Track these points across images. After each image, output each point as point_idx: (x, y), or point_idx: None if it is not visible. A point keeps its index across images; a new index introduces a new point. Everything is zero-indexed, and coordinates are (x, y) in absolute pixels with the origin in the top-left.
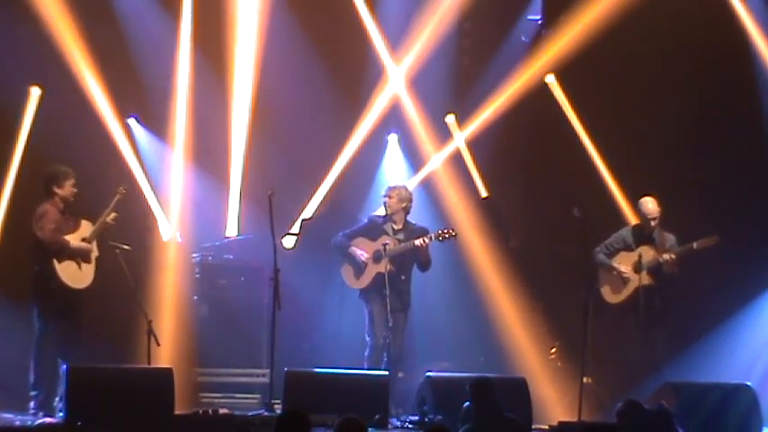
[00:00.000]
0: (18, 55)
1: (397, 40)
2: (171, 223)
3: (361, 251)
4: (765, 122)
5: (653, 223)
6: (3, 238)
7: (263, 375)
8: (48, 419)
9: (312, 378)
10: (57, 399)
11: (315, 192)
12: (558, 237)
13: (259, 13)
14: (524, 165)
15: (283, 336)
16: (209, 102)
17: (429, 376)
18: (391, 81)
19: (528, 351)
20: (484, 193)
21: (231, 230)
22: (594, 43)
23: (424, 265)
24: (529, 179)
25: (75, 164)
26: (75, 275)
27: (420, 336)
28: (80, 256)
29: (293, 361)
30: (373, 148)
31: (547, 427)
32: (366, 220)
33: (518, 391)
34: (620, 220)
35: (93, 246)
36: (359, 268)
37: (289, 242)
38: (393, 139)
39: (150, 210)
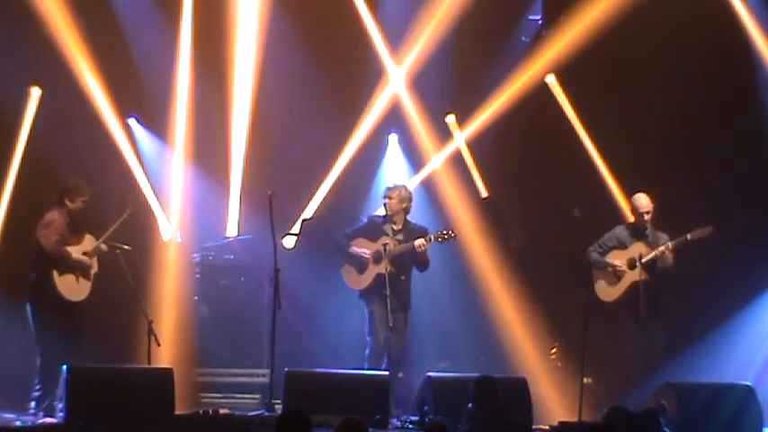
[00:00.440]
0: (18, 55)
1: (397, 40)
2: (171, 223)
3: (363, 250)
4: (766, 122)
5: (646, 217)
6: (2, 239)
7: (264, 375)
8: (48, 419)
9: (312, 378)
10: (57, 399)
11: (315, 192)
12: (558, 237)
13: (259, 13)
14: (524, 165)
15: (283, 336)
16: (210, 102)
17: (429, 376)
18: (391, 81)
19: (528, 351)
20: (484, 193)
21: (231, 230)
22: (594, 43)
23: (423, 266)
24: (529, 179)
25: (74, 164)
26: (72, 288)
27: (420, 336)
28: (79, 269)
29: (293, 361)
30: (373, 148)
31: (547, 427)
32: (366, 220)
33: (518, 391)
34: (620, 220)
35: (94, 262)
36: (359, 269)
37: (289, 242)
38: (393, 139)
39: (150, 210)
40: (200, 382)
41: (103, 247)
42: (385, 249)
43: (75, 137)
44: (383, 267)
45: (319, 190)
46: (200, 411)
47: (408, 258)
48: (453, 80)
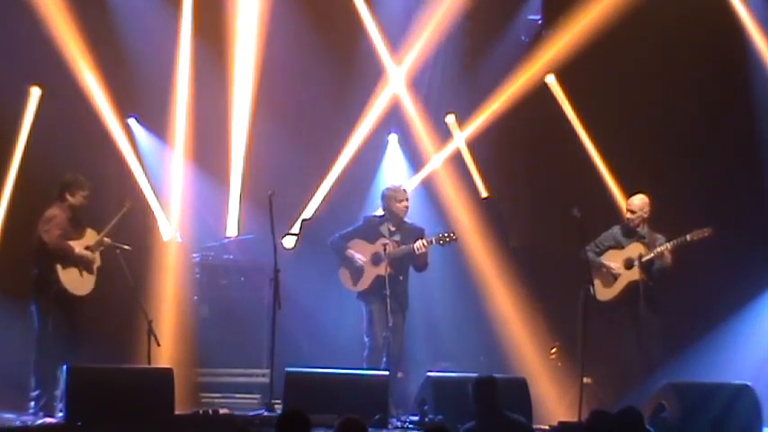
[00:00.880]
0: (18, 55)
1: (397, 40)
2: (171, 223)
3: (359, 255)
4: (765, 122)
5: (630, 215)
6: (3, 238)
7: (263, 375)
8: (48, 419)
9: (312, 378)
10: (57, 399)
11: (315, 192)
12: (558, 237)
13: (259, 14)
14: (524, 165)
15: (283, 336)
16: (210, 102)
17: (429, 376)
18: (391, 81)
19: (528, 351)
20: (484, 193)
21: (231, 231)
22: (594, 43)
23: (422, 268)
24: (529, 179)
25: (74, 164)
26: (77, 282)
27: (420, 336)
28: (83, 264)
29: (293, 361)
30: (373, 148)
31: (547, 427)
32: (362, 221)
33: (518, 391)
34: (620, 220)
35: (97, 256)
36: (356, 272)
37: (289, 242)
38: (393, 139)
39: (150, 210)
40: (200, 382)
41: (106, 240)
42: (385, 250)
43: (75, 137)
44: (383, 269)
45: (319, 190)
46: (200, 411)
47: (407, 259)
48: (453, 80)
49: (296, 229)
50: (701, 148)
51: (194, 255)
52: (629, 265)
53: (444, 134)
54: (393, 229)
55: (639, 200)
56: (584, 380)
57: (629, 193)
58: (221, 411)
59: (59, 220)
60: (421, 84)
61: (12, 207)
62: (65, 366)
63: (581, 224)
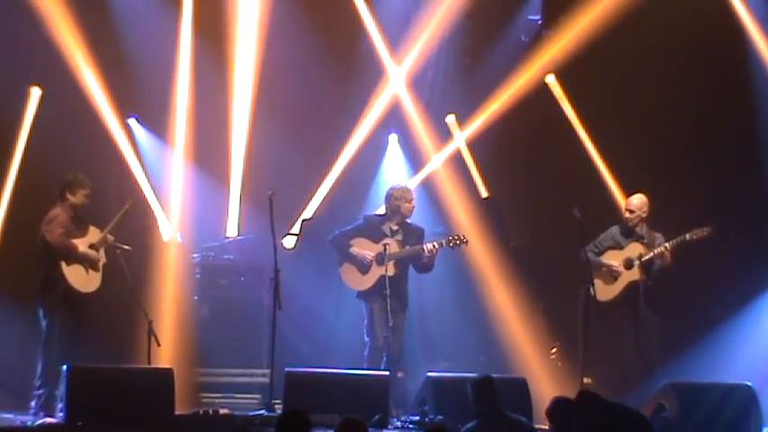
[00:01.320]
0: (18, 55)
1: (397, 40)
2: (171, 223)
3: (366, 252)
4: (765, 122)
5: (627, 215)
6: (3, 239)
7: (263, 375)
8: (48, 419)
9: (312, 378)
10: (58, 399)
11: (315, 192)
12: (558, 237)
13: (259, 14)
14: (524, 165)
15: (283, 336)
16: (210, 102)
17: (429, 376)
18: (391, 81)
19: (528, 351)
20: (484, 193)
21: (231, 231)
22: (594, 43)
23: (427, 269)
24: (529, 179)
25: (74, 164)
26: (83, 279)
27: (420, 336)
28: (87, 261)
29: (293, 361)
30: (373, 148)
31: (547, 427)
32: (362, 220)
33: (518, 391)
34: (619, 220)
35: (101, 253)
36: (362, 270)
37: (289, 242)
38: (393, 139)
39: (150, 210)
40: (200, 382)
41: (109, 237)
42: (385, 250)
43: (75, 137)
44: (386, 268)
45: (319, 190)
46: (200, 411)
47: (411, 260)
48: (454, 80)
49: (296, 229)
50: (700, 148)
51: (194, 255)
52: (628, 265)
53: (444, 134)
54: (395, 228)
55: (638, 200)
56: (584, 380)
57: (628, 193)
58: (221, 411)
59: (61, 219)
60: (423, 85)
61: (12, 207)
62: (65, 366)
63: (581, 224)
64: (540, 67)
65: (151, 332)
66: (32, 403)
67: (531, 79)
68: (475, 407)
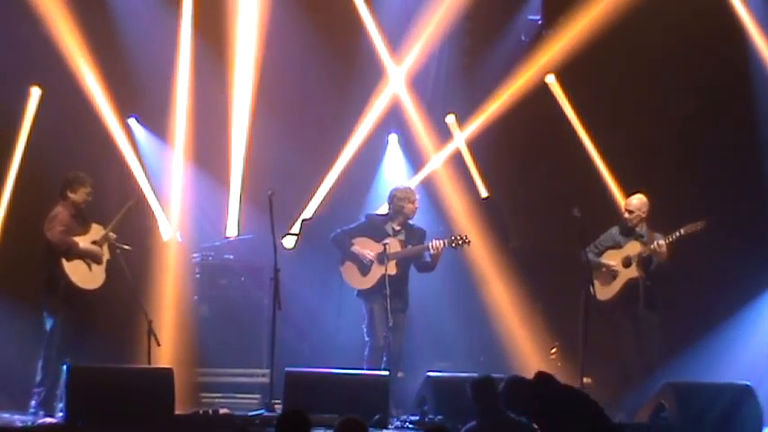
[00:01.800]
0: (18, 55)
1: (397, 40)
2: (171, 223)
3: (367, 251)
4: (764, 122)
5: (627, 215)
6: (3, 239)
7: (263, 375)
8: (48, 419)
9: (312, 378)
10: (58, 399)
11: (315, 192)
12: (558, 237)
13: (259, 14)
14: (524, 165)
15: (283, 336)
16: (210, 102)
17: (429, 376)
18: (391, 81)
19: (528, 351)
20: (484, 193)
21: (231, 230)
22: (594, 43)
23: (428, 269)
24: (529, 179)
25: (75, 164)
26: (85, 276)
27: (420, 336)
28: (89, 257)
29: (293, 361)
30: (373, 148)
31: None
32: (365, 219)
33: None
34: (619, 220)
35: (104, 249)
36: (363, 268)
37: (289, 242)
38: (393, 139)
39: (150, 210)
40: (200, 382)
41: (111, 235)
42: (385, 249)
43: (76, 137)
44: (389, 268)
45: (319, 190)
46: (200, 411)
47: (413, 259)
48: (454, 80)
49: (296, 228)
50: (700, 148)
51: (194, 255)
52: (627, 263)
53: (444, 134)
54: (397, 228)
55: (637, 200)
56: (584, 380)
57: (628, 193)
58: (221, 411)
59: (62, 217)
60: (426, 85)
61: (12, 207)
62: (65, 366)
63: (581, 224)
64: (539, 67)
65: (151, 332)
66: (32, 402)
67: (531, 79)
68: (475, 407)
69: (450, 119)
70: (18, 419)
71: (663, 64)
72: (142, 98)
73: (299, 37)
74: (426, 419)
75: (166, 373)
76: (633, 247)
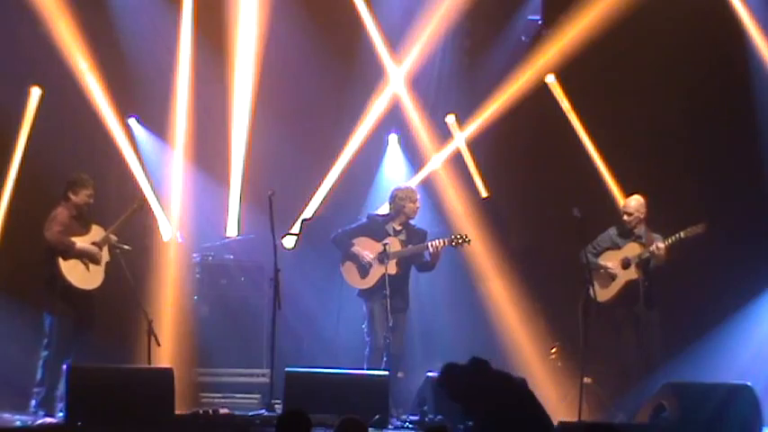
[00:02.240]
0: (18, 55)
1: (397, 40)
2: (171, 223)
3: (366, 252)
4: (764, 122)
5: (626, 218)
6: (3, 239)
7: (263, 375)
8: (48, 419)
9: (312, 378)
10: (58, 399)
11: (315, 192)
12: (557, 237)
13: (259, 14)
14: (524, 165)
15: (283, 336)
16: (210, 102)
17: (429, 376)
18: (391, 81)
19: (528, 351)
20: (484, 193)
21: (231, 230)
22: (595, 43)
23: (428, 269)
24: (529, 179)
25: (75, 164)
26: (83, 276)
27: (420, 336)
28: (87, 257)
29: (293, 361)
30: (373, 148)
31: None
32: (366, 219)
33: None
34: (618, 221)
35: (104, 250)
36: (363, 268)
37: (289, 242)
38: (393, 139)
39: (150, 210)
40: (200, 382)
41: (113, 237)
42: (385, 249)
43: (76, 137)
44: (389, 268)
45: (319, 190)
46: (200, 411)
47: (413, 259)
48: (453, 80)
49: (296, 228)
50: (701, 148)
51: (194, 255)
52: (625, 264)
53: (444, 134)
54: (398, 228)
55: (635, 201)
56: (585, 380)
57: (628, 194)
58: (221, 411)
59: (61, 218)
60: (429, 88)
61: (12, 207)
62: (65, 366)
63: (581, 224)
64: (539, 67)
65: (151, 332)
66: (32, 402)
67: (531, 79)
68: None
69: (450, 119)
70: (18, 419)
71: (663, 64)
72: (142, 98)
73: (299, 37)
74: (426, 419)
75: (166, 373)
76: (632, 249)
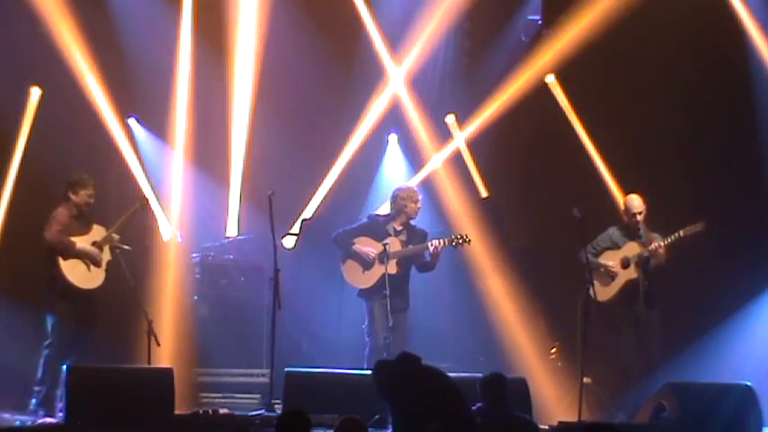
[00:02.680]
0: (18, 55)
1: (397, 40)
2: (171, 223)
3: (368, 249)
4: (764, 122)
5: (639, 218)
6: (3, 239)
7: (263, 375)
8: (48, 419)
9: (312, 378)
10: (58, 399)
11: (315, 192)
12: (558, 237)
13: (259, 14)
14: (524, 165)
15: (283, 336)
16: (210, 101)
17: None
18: (391, 81)
19: (528, 351)
20: (484, 193)
21: (231, 230)
22: (594, 43)
23: (429, 269)
24: (529, 179)
25: (75, 164)
26: (83, 276)
27: (420, 336)
28: (87, 257)
29: (293, 361)
30: (373, 148)
31: (547, 426)
32: (366, 219)
33: (518, 391)
34: (619, 220)
35: (105, 250)
36: (364, 267)
37: (289, 242)
38: (393, 139)
39: (150, 210)
40: (200, 382)
41: (114, 236)
42: (385, 249)
43: (75, 137)
44: (389, 267)
45: (319, 190)
46: (200, 411)
47: (413, 259)
48: (453, 80)
49: (296, 228)
50: (701, 148)
51: (194, 255)
52: (625, 264)
53: (444, 134)
54: (399, 228)
55: (638, 200)
56: (584, 380)
57: (628, 193)
58: (221, 411)
59: (60, 218)
60: (431, 88)
61: (12, 207)
62: (65, 366)
63: (581, 224)
64: (539, 67)
65: (151, 332)
66: (32, 402)
67: (531, 79)
68: (482, 403)
69: (450, 119)
70: (18, 419)
71: (663, 64)
72: (142, 98)
73: (299, 37)
74: None
75: (166, 373)
76: (631, 249)
